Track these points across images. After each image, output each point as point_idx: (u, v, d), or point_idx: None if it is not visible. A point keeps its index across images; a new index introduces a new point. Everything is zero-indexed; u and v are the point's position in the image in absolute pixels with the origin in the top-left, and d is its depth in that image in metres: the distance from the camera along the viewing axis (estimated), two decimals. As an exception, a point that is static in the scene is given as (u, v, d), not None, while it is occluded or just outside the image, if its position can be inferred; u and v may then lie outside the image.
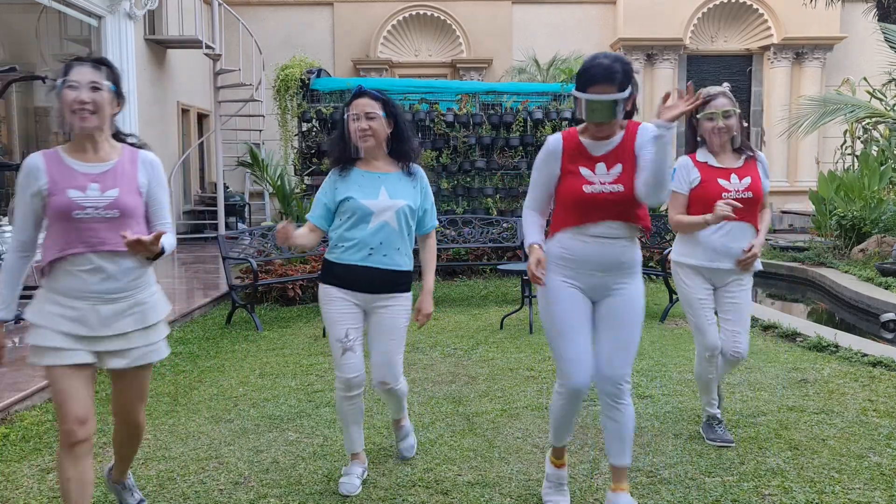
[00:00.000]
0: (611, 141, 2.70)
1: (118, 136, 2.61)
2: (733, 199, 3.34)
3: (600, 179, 2.67)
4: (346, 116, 3.07)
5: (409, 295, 3.15)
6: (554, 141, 2.76)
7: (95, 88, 2.42)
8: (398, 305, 3.10)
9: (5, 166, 7.27)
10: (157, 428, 3.88)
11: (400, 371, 3.14)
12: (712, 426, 3.64)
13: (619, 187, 2.66)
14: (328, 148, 3.25)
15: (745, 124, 3.57)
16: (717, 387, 3.70)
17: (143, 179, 2.56)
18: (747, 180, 3.45)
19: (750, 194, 3.43)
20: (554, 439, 2.94)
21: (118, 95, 2.51)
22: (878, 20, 12.68)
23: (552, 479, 2.98)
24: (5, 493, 3.10)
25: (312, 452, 3.51)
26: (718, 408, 3.68)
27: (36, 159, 2.46)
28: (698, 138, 3.57)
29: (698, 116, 3.50)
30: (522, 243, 8.01)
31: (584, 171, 2.69)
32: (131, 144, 2.63)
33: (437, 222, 3.26)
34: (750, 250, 3.43)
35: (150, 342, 2.55)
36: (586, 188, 2.67)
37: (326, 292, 3.09)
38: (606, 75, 2.56)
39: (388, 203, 3.04)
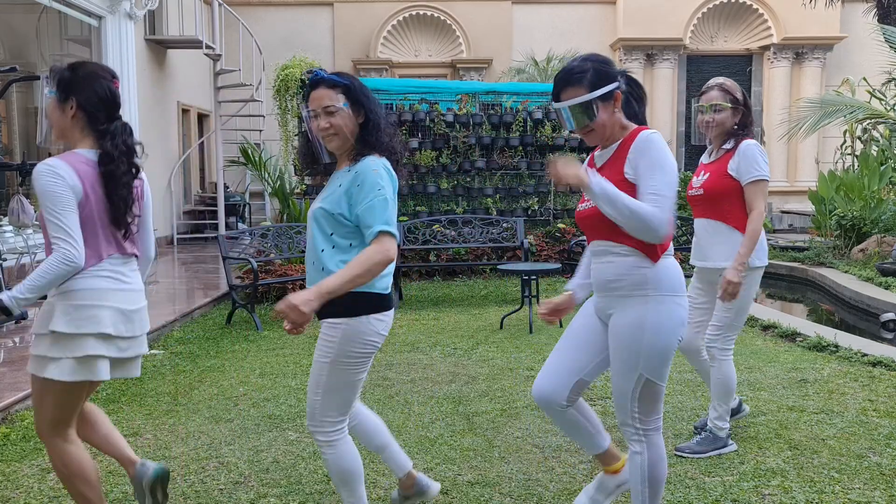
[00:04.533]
0: (610, 148, 2.40)
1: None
2: (691, 197, 3.39)
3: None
4: (305, 115, 2.45)
5: (335, 322, 2.37)
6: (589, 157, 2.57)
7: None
8: (321, 335, 2.42)
9: (5, 166, 7.26)
10: (157, 428, 3.88)
11: (317, 415, 2.42)
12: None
13: (591, 203, 2.36)
14: (299, 157, 2.65)
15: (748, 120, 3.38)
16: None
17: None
18: (706, 177, 3.37)
19: (701, 191, 3.36)
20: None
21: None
22: (878, 20, 12.67)
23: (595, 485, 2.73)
24: (5, 493, 3.10)
25: (312, 452, 3.51)
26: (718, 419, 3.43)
27: None
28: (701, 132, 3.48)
29: (695, 107, 3.42)
30: (522, 243, 8.03)
31: None
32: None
33: (382, 228, 2.30)
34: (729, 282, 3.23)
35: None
36: (579, 206, 2.46)
37: None
38: (576, 77, 2.32)
39: (313, 208, 2.48)
